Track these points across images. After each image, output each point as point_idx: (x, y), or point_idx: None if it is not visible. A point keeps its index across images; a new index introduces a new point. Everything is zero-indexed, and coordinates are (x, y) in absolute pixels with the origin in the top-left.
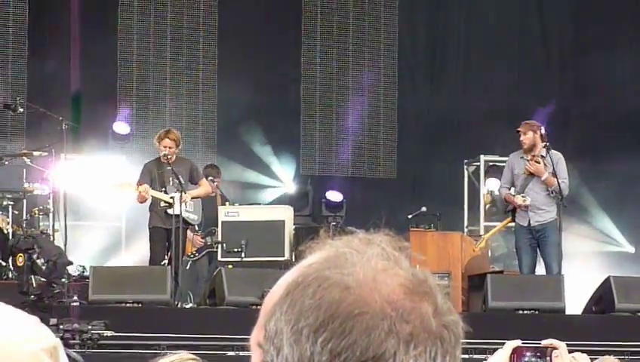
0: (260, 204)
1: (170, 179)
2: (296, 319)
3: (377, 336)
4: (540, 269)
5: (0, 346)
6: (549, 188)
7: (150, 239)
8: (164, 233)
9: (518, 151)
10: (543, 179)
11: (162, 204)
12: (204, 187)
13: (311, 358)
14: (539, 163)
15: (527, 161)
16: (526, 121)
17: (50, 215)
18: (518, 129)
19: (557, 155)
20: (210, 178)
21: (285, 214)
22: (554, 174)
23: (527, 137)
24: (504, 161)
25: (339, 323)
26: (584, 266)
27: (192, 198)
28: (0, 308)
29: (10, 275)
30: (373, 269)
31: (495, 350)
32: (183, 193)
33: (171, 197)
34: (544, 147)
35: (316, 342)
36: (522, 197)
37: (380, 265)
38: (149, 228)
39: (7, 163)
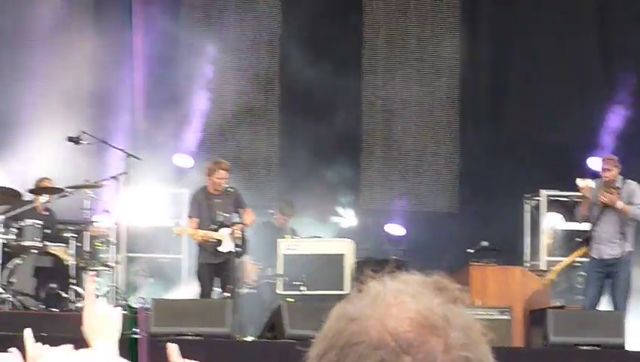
0: (320, 237)
1: (219, 212)
2: (312, 348)
3: None
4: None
5: None
6: (625, 217)
7: (198, 275)
8: (213, 269)
9: (599, 181)
10: (620, 208)
11: (212, 240)
12: (250, 216)
13: None
14: (612, 193)
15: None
16: (609, 157)
17: (113, 247)
18: (605, 167)
19: (632, 184)
20: (281, 213)
21: (345, 247)
22: (629, 204)
23: (612, 173)
24: (565, 196)
25: (336, 351)
26: None
27: (240, 230)
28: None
29: (70, 306)
30: (386, 303)
31: None
32: (235, 226)
33: (221, 229)
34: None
35: None
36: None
37: (398, 299)
38: (198, 264)
39: (69, 194)
